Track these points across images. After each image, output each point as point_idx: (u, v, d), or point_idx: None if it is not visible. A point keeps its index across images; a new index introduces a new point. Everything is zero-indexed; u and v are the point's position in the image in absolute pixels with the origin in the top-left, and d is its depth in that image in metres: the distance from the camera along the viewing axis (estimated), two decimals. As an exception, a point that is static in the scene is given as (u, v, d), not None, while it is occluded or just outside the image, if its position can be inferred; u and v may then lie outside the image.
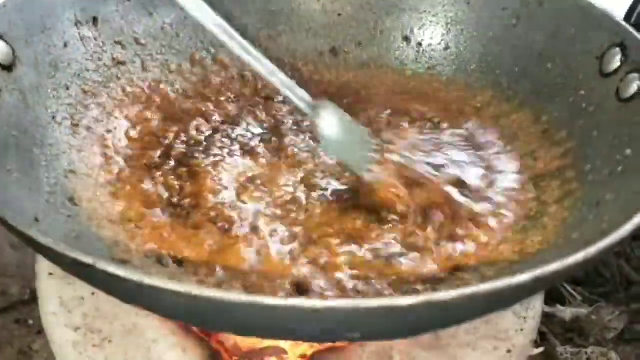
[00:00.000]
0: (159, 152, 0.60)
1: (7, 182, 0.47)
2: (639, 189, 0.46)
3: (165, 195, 0.56)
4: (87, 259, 0.35)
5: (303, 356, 0.56)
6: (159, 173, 0.58)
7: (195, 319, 0.39)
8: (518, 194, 0.57)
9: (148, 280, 0.33)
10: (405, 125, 0.65)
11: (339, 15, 0.72)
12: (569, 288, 0.75)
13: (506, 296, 0.37)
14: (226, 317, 0.36)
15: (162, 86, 0.66)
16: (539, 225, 0.52)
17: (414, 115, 0.67)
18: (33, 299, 0.71)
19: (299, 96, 0.58)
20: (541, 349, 0.65)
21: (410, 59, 0.71)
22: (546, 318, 0.71)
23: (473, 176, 0.59)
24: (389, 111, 0.67)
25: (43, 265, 0.57)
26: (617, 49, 0.55)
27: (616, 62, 0.55)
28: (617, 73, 0.55)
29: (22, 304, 0.73)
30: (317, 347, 0.56)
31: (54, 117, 0.56)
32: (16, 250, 0.77)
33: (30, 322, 0.71)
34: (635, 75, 0.53)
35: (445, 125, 0.65)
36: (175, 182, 0.57)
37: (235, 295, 0.33)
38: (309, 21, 0.73)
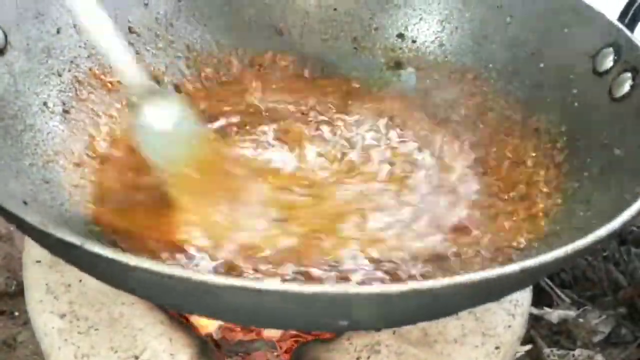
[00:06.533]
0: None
1: (-5, 165, 0.47)
2: (628, 188, 0.46)
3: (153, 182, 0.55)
4: (76, 240, 0.34)
5: (288, 351, 0.56)
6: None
7: (183, 302, 0.39)
8: (509, 190, 0.57)
9: (134, 262, 0.33)
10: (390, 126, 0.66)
11: (335, 10, 0.72)
12: (557, 290, 0.76)
13: (495, 287, 0.37)
14: (213, 301, 0.36)
15: (155, 75, 0.65)
16: (529, 221, 0.53)
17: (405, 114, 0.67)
18: (19, 291, 0.71)
19: (133, 74, 0.52)
20: (529, 347, 0.65)
21: (404, 56, 0.71)
22: (534, 320, 0.71)
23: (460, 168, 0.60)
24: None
25: (30, 253, 0.57)
26: (610, 49, 0.55)
27: (609, 61, 0.55)
28: (609, 72, 0.55)
29: (7, 295, 0.73)
30: (302, 341, 0.56)
31: (44, 103, 0.56)
32: (2, 242, 0.76)
33: (16, 313, 0.71)
34: (628, 74, 0.53)
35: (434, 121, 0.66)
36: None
37: (221, 279, 0.33)
38: (304, 16, 0.72)
